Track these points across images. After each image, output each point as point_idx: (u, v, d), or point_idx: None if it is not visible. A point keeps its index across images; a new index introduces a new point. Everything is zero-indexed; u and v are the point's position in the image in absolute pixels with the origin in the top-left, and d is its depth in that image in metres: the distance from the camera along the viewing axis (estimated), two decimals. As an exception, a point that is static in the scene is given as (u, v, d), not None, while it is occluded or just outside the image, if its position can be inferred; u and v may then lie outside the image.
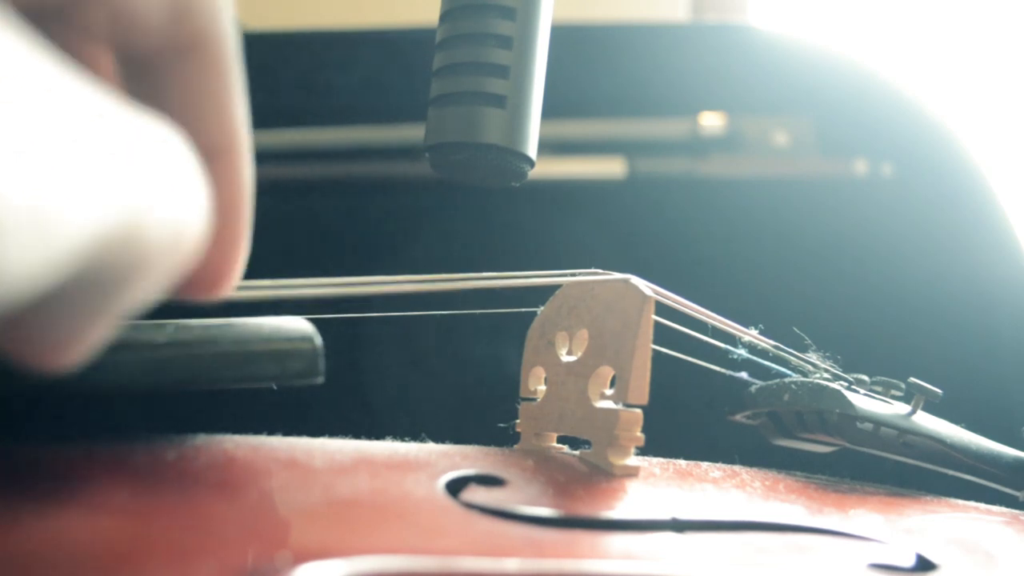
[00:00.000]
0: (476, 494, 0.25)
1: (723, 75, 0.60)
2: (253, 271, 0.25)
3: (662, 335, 0.30)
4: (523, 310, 0.33)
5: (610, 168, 0.61)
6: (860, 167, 0.59)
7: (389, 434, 0.30)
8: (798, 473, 0.34)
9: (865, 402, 0.33)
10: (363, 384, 0.58)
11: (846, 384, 0.34)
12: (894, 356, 0.54)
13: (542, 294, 0.33)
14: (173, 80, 0.20)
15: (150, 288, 0.16)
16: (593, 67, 0.61)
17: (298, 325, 0.26)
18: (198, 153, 0.19)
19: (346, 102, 0.60)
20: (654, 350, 0.28)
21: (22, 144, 0.12)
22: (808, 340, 0.35)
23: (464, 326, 0.57)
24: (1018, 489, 0.34)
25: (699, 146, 0.60)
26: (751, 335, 0.34)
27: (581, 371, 0.30)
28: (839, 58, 0.60)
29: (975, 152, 0.58)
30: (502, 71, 0.28)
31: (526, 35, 0.29)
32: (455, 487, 0.25)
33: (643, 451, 0.29)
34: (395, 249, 0.60)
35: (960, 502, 0.34)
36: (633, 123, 0.61)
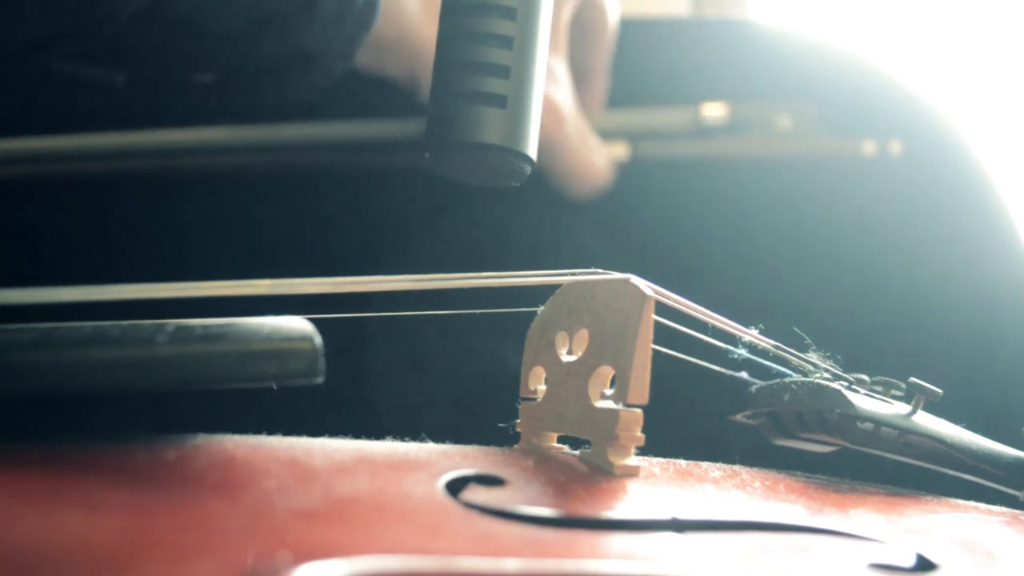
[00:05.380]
0: (476, 494, 0.25)
1: (722, 72, 0.60)
2: (253, 271, 0.25)
3: (662, 335, 0.30)
4: (523, 310, 0.33)
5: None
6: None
7: (389, 434, 0.30)
8: (798, 473, 0.34)
9: (865, 402, 0.33)
10: (363, 384, 0.57)
11: (846, 384, 0.34)
12: (894, 356, 0.54)
13: (542, 294, 0.33)
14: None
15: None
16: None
17: (298, 325, 0.26)
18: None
19: (346, 100, 0.60)
20: (654, 350, 0.28)
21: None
22: (808, 340, 0.35)
23: (464, 326, 0.57)
24: (1018, 489, 0.34)
25: (699, 146, 0.60)
26: (751, 335, 0.33)
27: (581, 371, 0.30)
28: (839, 53, 0.60)
29: (978, 149, 0.58)
30: (502, 71, 0.28)
31: (526, 35, 0.29)
32: (455, 487, 0.25)
33: (643, 451, 0.29)
34: (395, 249, 0.60)
35: (960, 502, 0.34)
36: (634, 120, 0.61)
